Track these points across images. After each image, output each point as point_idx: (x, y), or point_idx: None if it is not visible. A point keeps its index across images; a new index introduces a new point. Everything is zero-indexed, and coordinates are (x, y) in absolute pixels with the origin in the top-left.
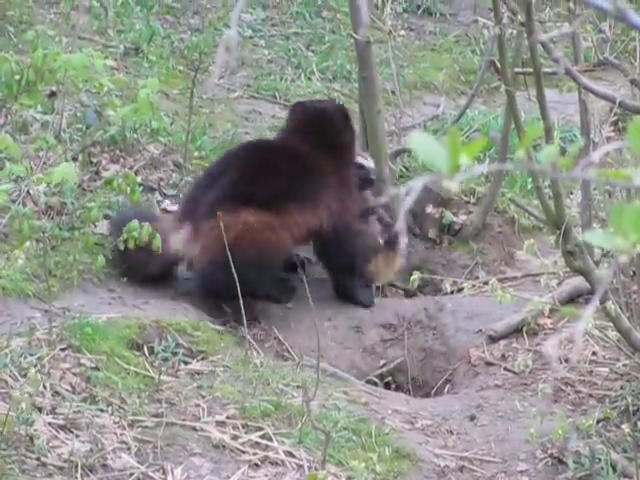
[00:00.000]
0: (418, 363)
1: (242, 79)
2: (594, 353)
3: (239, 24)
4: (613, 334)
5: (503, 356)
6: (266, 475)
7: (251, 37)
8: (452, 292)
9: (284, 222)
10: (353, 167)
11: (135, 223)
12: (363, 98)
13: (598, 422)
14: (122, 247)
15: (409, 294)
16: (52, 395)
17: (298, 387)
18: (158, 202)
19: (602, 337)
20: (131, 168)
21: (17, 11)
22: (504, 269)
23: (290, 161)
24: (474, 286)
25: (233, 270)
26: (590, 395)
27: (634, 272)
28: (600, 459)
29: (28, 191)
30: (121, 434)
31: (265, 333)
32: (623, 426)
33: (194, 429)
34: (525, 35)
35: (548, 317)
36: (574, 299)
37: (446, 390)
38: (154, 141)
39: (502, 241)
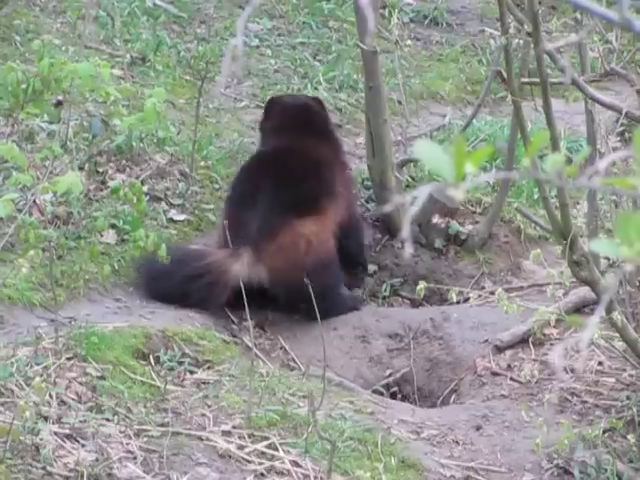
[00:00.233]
0: (424, 373)
1: (249, 89)
2: (600, 363)
3: (246, 34)
4: (619, 344)
5: (509, 366)
6: None
7: (258, 47)
8: (458, 302)
9: (326, 222)
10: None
11: (141, 231)
12: (369, 108)
13: (604, 432)
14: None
15: (415, 304)
16: (58, 404)
17: (304, 397)
18: (164, 212)
19: (608, 347)
20: (137, 177)
21: (24, 20)
22: (510, 279)
23: (306, 160)
24: (480, 296)
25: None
26: (596, 405)
27: None
28: (606, 469)
29: (34, 200)
30: (127, 443)
31: (271, 343)
32: (629, 436)
33: (200, 438)
34: (532, 45)
35: (554, 327)
36: (580, 309)
37: (452, 400)
38: (160, 150)
39: (508, 251)
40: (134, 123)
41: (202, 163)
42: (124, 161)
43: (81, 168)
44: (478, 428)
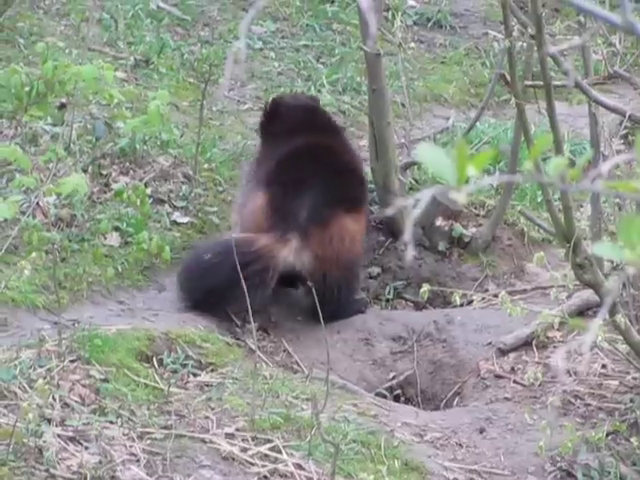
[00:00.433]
0: (427, 376)
1: (252, 91)
2: (604, 366)
3: (249, 36)
4: (623, 347)
5: (512, 369)
6: None
7: (261, 49)
8: (462, 305)
9: (362, 223)
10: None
11: (144, 234)
12: (373, 110)
13: (607, 435)
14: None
15: (419, 307)
16: (61, 407)
17: (307, 399)
18: (168, 214)
19: (612, 350)
20: (141, 180)
21: (27, 23)
22: (514, 282)
23: (334, 155)
24: (484, 299)
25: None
26: (599, 408)
27: None
28: (609, 472)
29: (38, 203)
30: (130, 446)
31: (274, 345)
32: (632, 439)
33: (203, 441)
34: (535, 48)
35: (558, 330)
36: (584, 312)
37: (455, 403)
38: (164, 153)
39: (512, 254)
40: (138, 126)
41: (205, 165)
42: (127, 164)
43: (85, 171)
44: (481, 431)
